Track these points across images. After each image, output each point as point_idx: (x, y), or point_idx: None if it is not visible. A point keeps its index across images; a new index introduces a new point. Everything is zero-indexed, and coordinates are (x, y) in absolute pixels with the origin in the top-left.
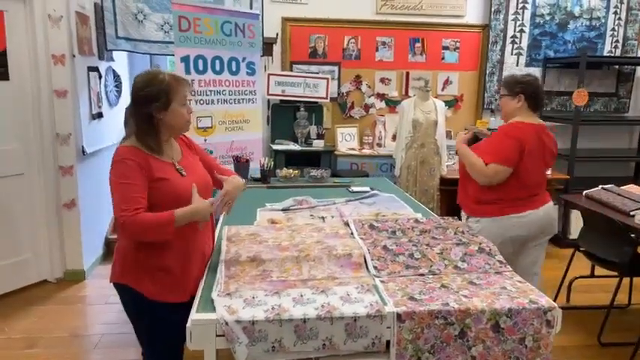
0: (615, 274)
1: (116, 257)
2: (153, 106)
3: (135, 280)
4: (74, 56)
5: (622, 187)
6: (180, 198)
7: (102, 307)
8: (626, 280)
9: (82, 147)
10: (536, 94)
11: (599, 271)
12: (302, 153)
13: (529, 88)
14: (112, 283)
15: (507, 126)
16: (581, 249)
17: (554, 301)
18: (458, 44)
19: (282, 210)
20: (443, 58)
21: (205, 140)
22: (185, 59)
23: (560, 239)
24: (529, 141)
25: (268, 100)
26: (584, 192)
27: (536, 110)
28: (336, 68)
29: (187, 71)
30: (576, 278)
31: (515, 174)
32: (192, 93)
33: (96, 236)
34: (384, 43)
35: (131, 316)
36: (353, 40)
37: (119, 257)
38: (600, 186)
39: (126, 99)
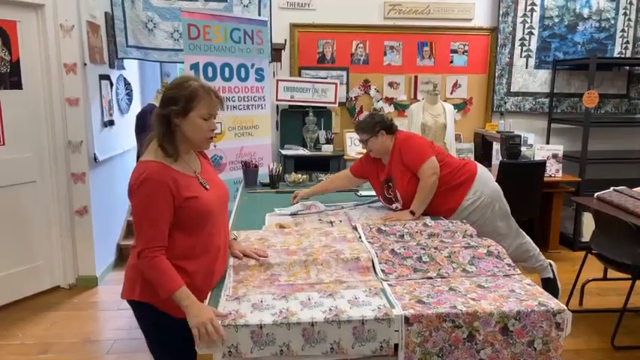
0: (628, 276)
1: (133, 274)
2: (171, 109)
3: (157, 299)
4: (85, 65)
5: (634, 189)
6: (207, 213)
7: (114, 312)
8: (639, 283)
9: (94, 154)
10: (390, 123)
11: (612, 273)
12: (311, 158)
13: (384, 122)
14: (126, 300)
15: (401, 140)
16: (594, 251)
17: (567, 304)
18: (466, 47)
19: (291, 215)
20: (451, 62)
21: (215, 146)
22: (195, 66)
23: (572, 242)
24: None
25: (277, 106)
26: (596, 194)
27: (393, 132)
28: (344, 73)
29: None
30: (589, 281)
31: (440, 154)
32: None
33: (108, 243)
34: (392, 48)
35: (148, 332)
36: (361, 45)
37: (139, 274)
38: (612, 188)
39: (137, 107)
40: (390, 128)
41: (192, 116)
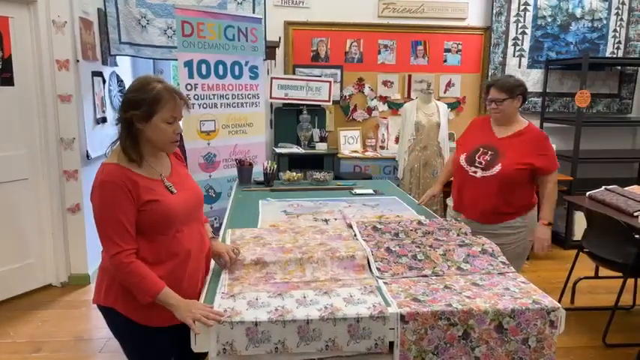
0: (619, 274)
1: (102, 277)
2: (133, 113)
3: (122, 304)
4: (78, 61)
5: (625, 188)
6: (171, 217)
7: None
8: (630, 281)
9: (87, 151)
10: (527, 93)
11: (604, 272)
12: (305, 156)
13: (524, 88)
14: (95, 305)
15: (542, 134)
16: (585, 250)
17: (559, 302)
18: (460, 47)
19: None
20: (445, 61)
21: (209, 144)
22: (188, 64)
23: (564, 240)
24: None
25: (271, 104)
26: (588, 193)
27: (521, 105)
28: (338, 71)
29: (191, 75)
30: (580, 279)
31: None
32: (192, 107)
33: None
34: (386, 46)
35: (118, 338)
36: (355, 44)
37: (106, 278)
38: (604, 187)
39: None
40: (525, 98)
41: (156, 121)
